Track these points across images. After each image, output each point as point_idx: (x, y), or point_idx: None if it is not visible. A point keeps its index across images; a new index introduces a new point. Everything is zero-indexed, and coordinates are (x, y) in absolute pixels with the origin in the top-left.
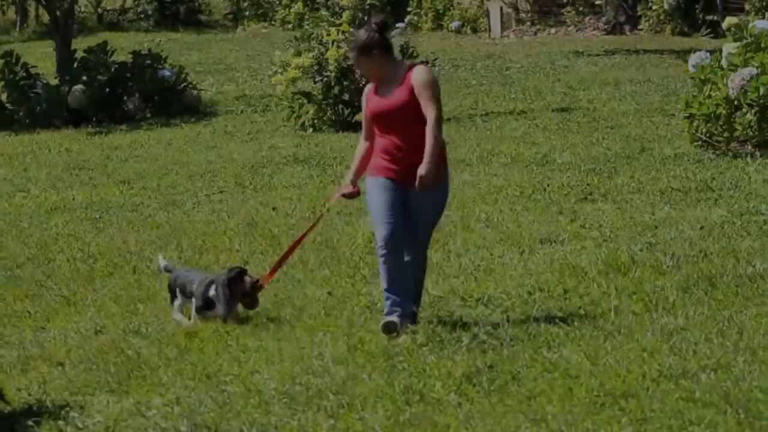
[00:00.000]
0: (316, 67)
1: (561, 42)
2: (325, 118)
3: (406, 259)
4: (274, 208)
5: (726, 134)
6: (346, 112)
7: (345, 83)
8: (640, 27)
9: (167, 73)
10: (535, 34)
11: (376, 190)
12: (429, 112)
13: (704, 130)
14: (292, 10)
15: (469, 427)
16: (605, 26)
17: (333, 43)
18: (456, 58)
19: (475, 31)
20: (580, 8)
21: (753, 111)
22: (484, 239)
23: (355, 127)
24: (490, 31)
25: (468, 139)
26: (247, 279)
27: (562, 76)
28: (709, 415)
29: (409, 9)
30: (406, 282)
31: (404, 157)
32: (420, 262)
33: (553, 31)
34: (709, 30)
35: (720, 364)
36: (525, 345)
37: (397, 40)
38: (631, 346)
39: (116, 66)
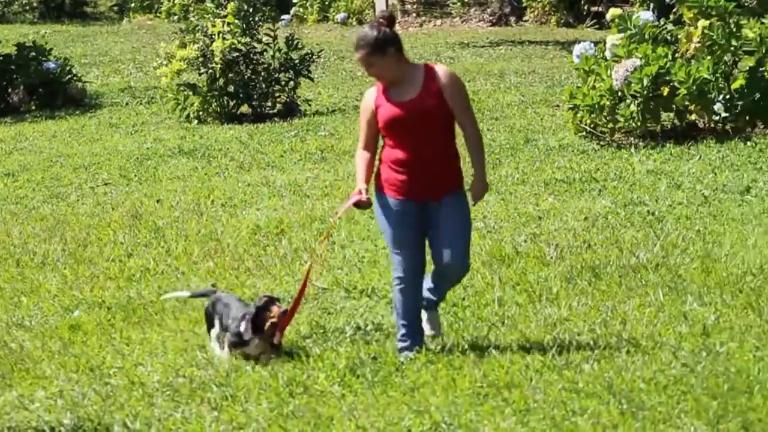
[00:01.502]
0: (201, 59)
1: (446, 34)
2: (210, 110)
3: (447, 275)
4: (158, 200)
5: (610, 125)
6: (231, 104)
7: (230, 75)
8: (525, 18)
9: (52, 66)
10: (421, 26)
11: (390, 215)
12: (467, 119)
13: (588, 121)
14: (177, 1)
15: (352, 419)
16: (491, 18)
17: (218, 35)
18: (342, 50)
19: (360, 22)
20: (466, 0)
21: (636, 102)
22: (368, 231)
23: (240, 118)
24: None
25: (353, 131)
26: (275, 309)
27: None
28: (592, 405)
29: (294, 1)
30: (419, 314)
31: (424, 170)
32: (463, 275)
33: (438, 22)
34: (593, 21)
35: (603, 355)
36: None
37: (282, 31)
38: (514, 337)
39: (0, 58)
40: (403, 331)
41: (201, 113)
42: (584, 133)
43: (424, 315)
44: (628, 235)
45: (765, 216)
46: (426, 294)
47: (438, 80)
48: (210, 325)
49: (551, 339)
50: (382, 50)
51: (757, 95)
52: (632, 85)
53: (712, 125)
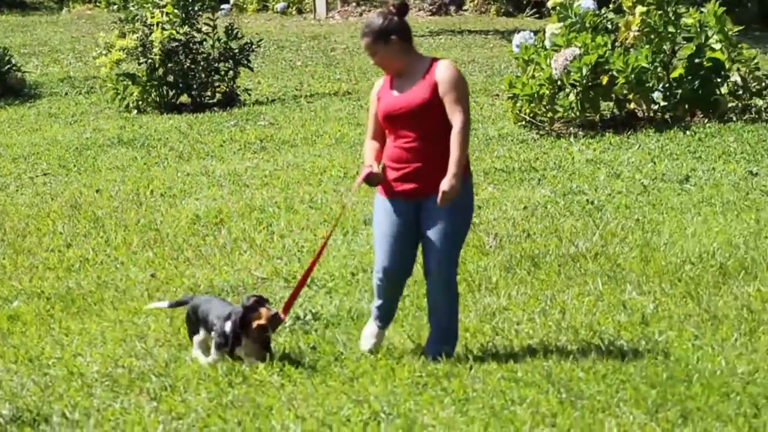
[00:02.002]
0: (140, 49)
1: None
2: (149, 100)
3: (430, 286)
4: (98, 190)
5: (549, 114)
6: (171, 93)
7: (169, 65)
8: (465, 8)
9: None
10: (361, 15)
11: (382, 214)
12: (456, 116)
13: (528, 111)
14: None
15: (291, 408)
16: (430, 7)
17: (157, 24)
18: (281, 39)
19: (300, 12)
20: None
21: (576, 91)
22: (308, 220)
23: (179, 108)
24: (315, 12)
25: (293, 121)
26: (264, 311)
27: None
28: (531, 394)
29: None
30: (393, 311)
31: (420, 167)
32: (444, 289)
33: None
34: (533, 11)
35: (542, 344)
36: (348, 326)
37: (221, 21)
38: None
39: None
40: (375, 312)
41: (140, 103)
42: (524, 123)
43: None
44: (567, 225)
45: (704, 205)
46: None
47: (435, 74)
48: (192, 332)
49: (490, 328)
50: (386, 39)
51: (696, 84)
52: (571, 74)
53: (651, 114)
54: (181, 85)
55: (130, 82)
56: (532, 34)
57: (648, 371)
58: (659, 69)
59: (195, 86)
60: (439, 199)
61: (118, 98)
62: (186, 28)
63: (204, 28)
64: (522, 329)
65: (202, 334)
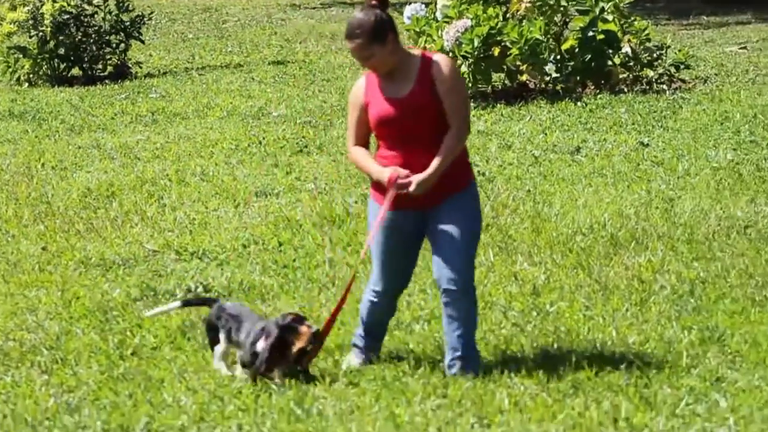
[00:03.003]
0: (31, 22)
1: None
2: (40, 73)
3: (450, 297)
4: None
5: None
6: (62, 66)
7: (60, 38)
8: None
9: None
10: None
11: (386, 229)
12: (455, 118)
13: None
14: None
15: (183, 380)
16: None
17: None
18: (173, 12)
19: None
20: None
21: (467, 63)
22: (199, 193)
23: (71, 81)
24: None
25: (184, 93)
26: (304, 330)
27: (278, 30)
28: (422, 365)
29: None
30: (384, 332)
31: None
32: (467, 297)
33: None
34: None
35: (434, 315)
36: (239, 298)
37: None
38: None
39: None
40: (361, 331)
41: (32, 76)
42: None
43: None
44: None
45: (595, 176)
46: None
47: (433, 72)
48: (213, 340)
49: None
50: (383, 38)
51: (588, 56)
52: (463, 45)
53: (543, 86)
54: (72, 58)
55: (21, 55)
56: (423, 5)
57: (539, 342)
58: (551, 41)
59: (86, 59)
60: (411, 189)
61: (9, 71)
62: (77, 1)
63: (95, 1)
64: (413, 300)
65: (224, 345)
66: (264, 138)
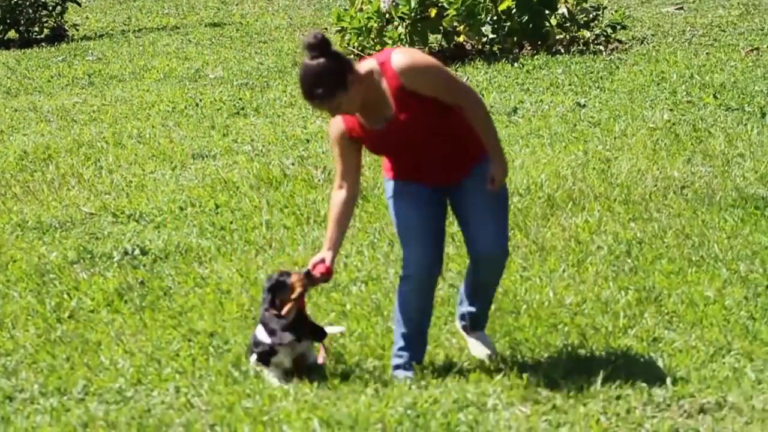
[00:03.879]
0: None
1: None
2: None
3: (482, 268)
4: None
5: (378, 48)
6: None
7: None
8: None
9: None
10: None
11: (408, 199)
12: (459, 98)
13: (356, 44)
14: None
15: (120, 343)
16: None
17: None
18: None
19: None
20: None
21: (404, 24)
22: (136, 155)
23: (7, 44)
24: None
25: (121, 55)
26: (294, 277)
27: None
28: (360, 327)
29: None
30: (426, 327)
31: (434, 167)
32: (499, 270)
33: None
34: None
35: (371, 276)
36: (177, 260)
37: None
38: (283, 260)
39: None
40: (400, 343)
41: None
42: (353, 56)
43: (470, 338)
44: None
45: (532, 137)
46: (466, 309)
47: (404, 83)
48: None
49: None
50: (343, 84)
51: (525, 17)
52: (400, 7)
53: (480, 47)
54: (8, 21)
55: None
56: None
57: None
58: (488, 2)
59: (23, 22)
60: (489, 187)
61: None
62: None
63: None
64: (350, 262)
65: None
66: (201, 100)
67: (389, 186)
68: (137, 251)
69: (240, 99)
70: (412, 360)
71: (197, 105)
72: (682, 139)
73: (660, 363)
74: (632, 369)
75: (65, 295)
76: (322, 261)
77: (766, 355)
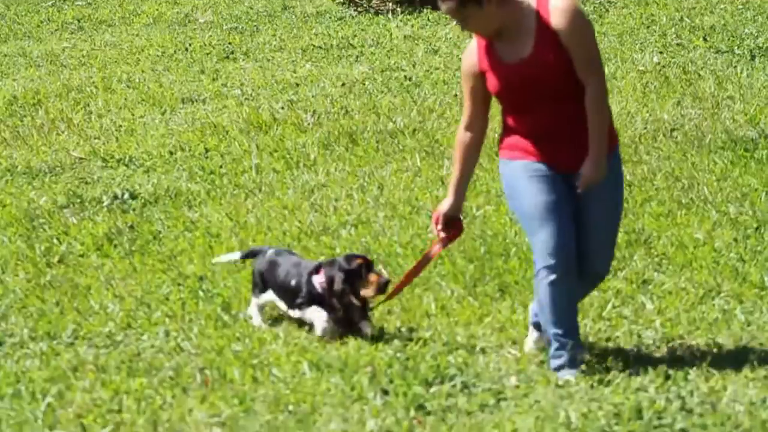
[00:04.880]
0: None
1: None
2: None
3: (584, 287)
4: None
5: None
6: None
7: None
8: None
9: None
10: None
11: (533, 178)
12: (589, 72)
13: None
14: None
15: (110, 288)
16: None
17: None
18: None
19: None
20: None
21: None
22: (125, 100)
23: None
24: None
25: (110, 0)
26: (373, 278)
27: None
28: None
29: None
30: (576, 316)
31: (558, 139)
32: (596, 286)
33: None
34: None
35: (360, 220)
36: (166, 204)
37: None
38: (272, 204)
39: None
40: (556, 344)
41: None
42: (342, 0)
43: (533, 334)
44: (385, 101)
45: None
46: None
47: (554, 23)
48: (261, 290)
49: (308, 205)
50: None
51: None
52: None
53: None
54: None
55: None
56: None
57: (465, 245)
58: None
59: None
60: (579, 184)
61: None
62: None
63: None
64: (340, 206)
65: (271, 293)
66: (190, 44)
67: (511, 168)
68: (127, 195)
69: (229, 43)
70: (576, 356)
71: (187, 49)
72: (672, 81)
73: (650, 305)
74: (622, 311)
75: (55, 240)
76: (450, 222)
77: (756, 297)
